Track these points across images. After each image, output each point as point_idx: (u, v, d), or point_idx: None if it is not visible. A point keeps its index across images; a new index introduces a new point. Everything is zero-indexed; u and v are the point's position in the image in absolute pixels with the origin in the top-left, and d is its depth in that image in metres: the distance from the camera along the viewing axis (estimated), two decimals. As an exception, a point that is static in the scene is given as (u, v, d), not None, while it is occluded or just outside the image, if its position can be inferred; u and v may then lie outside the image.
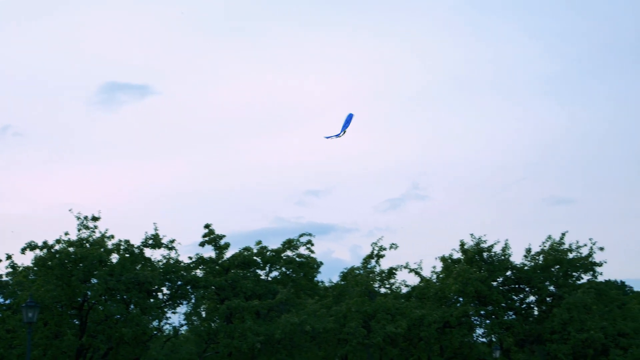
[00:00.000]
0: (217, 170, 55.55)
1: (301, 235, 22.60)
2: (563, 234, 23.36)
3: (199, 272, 21.14)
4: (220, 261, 21.60)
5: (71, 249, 19.28)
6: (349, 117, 21.23)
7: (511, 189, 55.09)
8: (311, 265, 22.07)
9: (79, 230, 19.96)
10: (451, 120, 58.29)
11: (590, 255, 22.91)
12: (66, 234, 19.86)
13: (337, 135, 21.13)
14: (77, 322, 19.55)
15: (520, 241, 39.53)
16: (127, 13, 57.05)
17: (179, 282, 20.49)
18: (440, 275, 23.20)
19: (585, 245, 23.07)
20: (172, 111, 57.12)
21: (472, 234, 23.25)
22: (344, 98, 53.76)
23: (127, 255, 20.02)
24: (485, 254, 22.95)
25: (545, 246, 23.20)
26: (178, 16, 56.88)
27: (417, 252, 61.98)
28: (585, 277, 23.14)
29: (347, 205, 52.86)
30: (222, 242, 21.76)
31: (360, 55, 58.61)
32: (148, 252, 20.53)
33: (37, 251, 19.19)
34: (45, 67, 55.48)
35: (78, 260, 19.07)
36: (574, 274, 23.08)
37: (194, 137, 56.81)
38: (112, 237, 20.17)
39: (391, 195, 58.82)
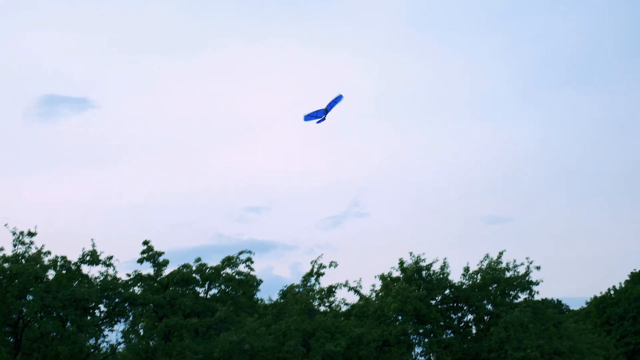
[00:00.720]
0: (156, 186, 55.20)
1: (241, 253, 22.52)
2: (500, 253, 23.59)
3: (137, 289, 20.92)
4: (158, 278, 21.40)
5: (6, 265, 19.01)
6: (338, 99, 20.12)
7: (449, 207, 55.56)
8: (251, 283, 21.97)
9: (14, 245, 19.70)
10: (391, 138, 58.69)
11: (527, 274, 23.12)
12: (1, 249, 19.63)
13: (320, 118, 19.94)
14: (11, 340, 19.26)
15: (458, 260, 39.79)
16: (68, 26, 56.55)
17: (117, 299, 20.28)
18: (380, 294, 23.22)
19: (522, 264, 23.29)
20: (111, 124, 56.70)
21: (411, 253, 23.37)
22: (284, 113, 53.87)
23: (63, 271, 19.77)
24: (424, 273, 23.03)
25: (483, 265, 23.36)
26: (120, 29, 56.56)
27: (357, 271, 61.97)
28: (522, 296, 23.34)
29: (287, 222, 52.85)
30: (161, 259, 21.58)
31: (303, 69, 58.83)
32: (85, 268, 20.30)
33: (-29, 267, 18.94)
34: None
35: (13, 276, 18.79)
36: (511, 292, 23.27)
37: (133, 151, 56.45)
38: (49, 253, 19.93)
39: (332, 212, 58.96)
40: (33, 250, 19.25)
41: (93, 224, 48.81)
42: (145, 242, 21.44)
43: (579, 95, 62.69)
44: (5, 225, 19.37)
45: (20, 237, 19.22)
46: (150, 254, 21.19)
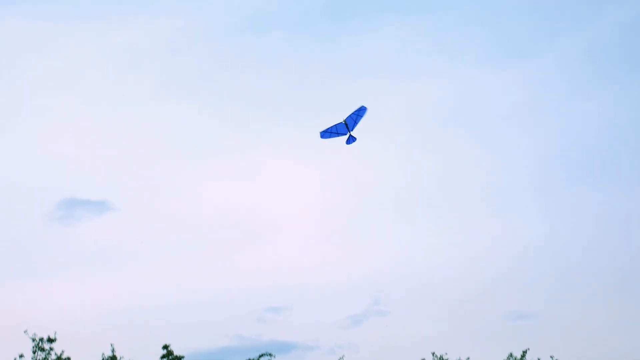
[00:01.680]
0: (176, 287, 55.00)
1: (261, 355, 22.42)
2: (524, 352, 23.40)
3: (157, 394, 20.83)
4: (179, 383, 21.28)
5: (26, 372, 18.96)
6: (360, 110, 18.47)
7: (470, 304, 55.04)
8: (272, 386, 21.79)
9: (34, 352, 19.65)
10: (409, 234, 58.46)
11: (552, 372, 22.91)
12: (21, 356, 19.56)
13: (345, 136, 18.26)
14: None
15: (481, 358, 39.28)
16: (88, 130, 57.29)
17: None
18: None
19: (547, 362, 23.12)
20: (130, 226, 56.90)
21: (433, 353, 23.23)
22: (301, 210, 54.06)
23: (84, 378, 19.71)
24: (447, 372, 22.86)
25: (506, 364, 23.19)
26: (140, 132, 57.20)
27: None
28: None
29: (308, 322, 52.31)
30: (181, 363, 21.52)
31: (319, 167, 59.04)
32: (106, 374, 20.26)
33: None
34: (2, 181, 55.28)
35: (33, 384, 18.73)
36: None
37: (152, 253, 56.44)
38: (69, 359, 19.87)
39: (352, 311, 58.37)
40: (53, 357, 19.19)
41: (113, 326, 48.52)
42: (165, 347, 21.32)
43: (599, 191, 62.66)
44: (25, 331, 19.36)
45: (40, 344, 19.18)
46: (170, 358, 21.09)
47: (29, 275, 52.38)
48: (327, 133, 18.41)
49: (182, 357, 21.42)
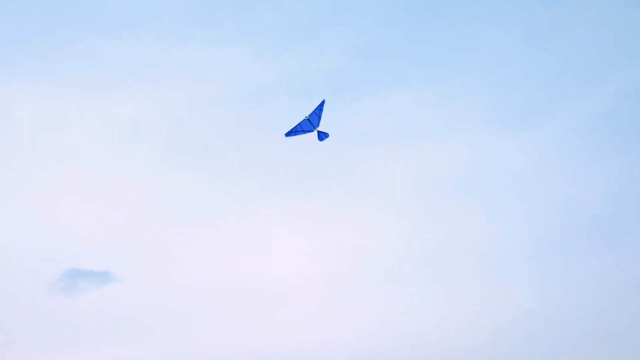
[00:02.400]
0: (179, 359, 54.42)
1: None
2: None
3: None
4: None
5: None
6: (321, 105, 18.08)
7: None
8: None
9: None
10: (409, 300, 58.00)
11: None
12: None
13: (314, 132, 17.75)
14: None
15: None
16: (91, 199, 57.23)
17: None
18: None
19: None
20: (132, 297, 56.49)
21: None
22: (307, 280, 53.69)
23: None
24: None
25: None
26: (143, 202, 57.17)
27: None
28: None
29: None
30: None
31: (321, 235, 58.80)
32: None
33: None
34: (2, 254, 55.09)
35: None
36: None
37: (156, 323, 55.97)
38: None
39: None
40: None
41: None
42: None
43: (598, 259, 62.34)
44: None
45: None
46: None
47: (31, 347, 51.88)
48: (292, 132, 18.09)
49: None
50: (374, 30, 52.45)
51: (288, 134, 17.58)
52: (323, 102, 17.55)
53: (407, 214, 62.27)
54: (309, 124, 17.51)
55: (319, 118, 17.53)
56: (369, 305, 57.21)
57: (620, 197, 58.53)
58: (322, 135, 17.58)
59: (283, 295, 51.67)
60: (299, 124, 17.65)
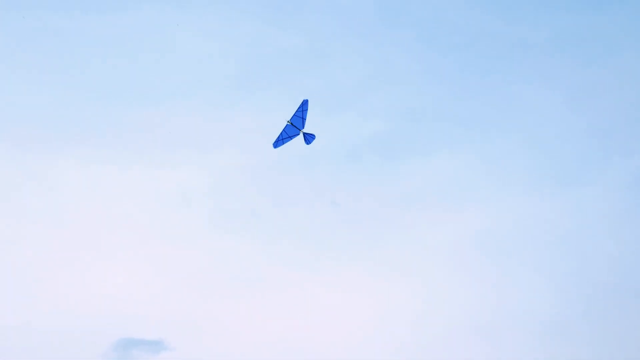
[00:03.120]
0: None
1: None
2: None
3: None
4: None
5: None
6: (302, 105, 17.37)
7: None
8: None
9: None
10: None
11: None
12: None
13: (299, 136, 17.10)
14: None
15: None
16: (143, 269, 57.55)
17: None
18: None
19: None
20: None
21: None
22: (359, 344, 53.18)
23: None
24: None
25: None
26: (193, 270, 57.42)
27: None
28: None
29: None
30: None
31: (375, 299, 58.51)
32: None
33: None
34: (57, 324, 55.30)
35: None
36: None
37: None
38: None
39: None
40: None
41: None
42: None
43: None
44: None
45: None
46: None
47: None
48: (279, 142, 17.55)
49: None
50: (419, 93, 52.79)
51: (276, 145, 17.12)
52: (305, 102, 17.07)
53: (454, 276, 61.88)
54: (293, 127, 17.01)
55: (303, 120, 16.97)
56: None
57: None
58: (309, 138, 17.00)
59: (336, 359, 51.36)
60: (283, 130, 17.15)
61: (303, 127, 16.06)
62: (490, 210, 50.62)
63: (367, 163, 50.98)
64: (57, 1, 49.88)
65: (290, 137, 16.27)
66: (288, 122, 16.49)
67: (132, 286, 57.14)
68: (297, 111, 16.15)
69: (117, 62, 49.73)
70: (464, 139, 51.61)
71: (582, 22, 53.49)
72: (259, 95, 50.73)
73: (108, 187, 48.03)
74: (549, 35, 53.04)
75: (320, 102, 51.98)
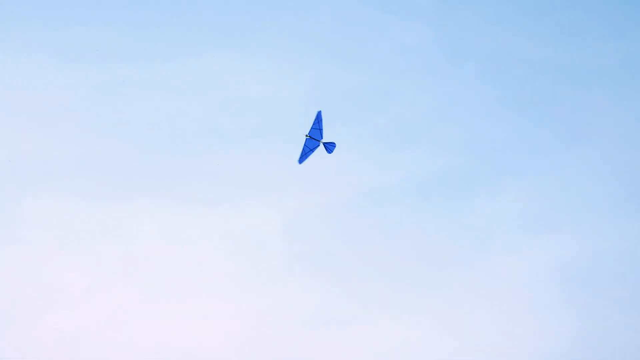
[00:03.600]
0: None
1: None
2: None
3: None
4: None
5: None
6: (317, 118, 17.34)
7: None
8: None
9: None
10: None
11: None
12: None
13: (317, 146, 17.04)
14: None
15: None
16: None
17: None
18: None
19: None
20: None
21: None
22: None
23: None
24: None
25: None
26: (268, 312, 57.39)
27: None
28: None
29: None
30: None
31: (455, 334, 57.82)
32: None
33: None
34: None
35: None
36: None
37: None
38: None
39: None
40: None
41: None
42: None
43: None
44: None
45: None
46: None
47: None
48: (303, 157, 17.58)
49: None
50: (485, 126, 52.57)
51: (300, 160, 17.23)
52: (319, 113, 17.20)
53: (532, 311, 61.00)
54: (313, 140, 17.05)
55: (321, 130, 17.03)
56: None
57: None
58: (329, 147, 17.09)
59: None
60: (304, 146, 17.25)
61: (322, 138, 16.20)
62: (568, 241, 49.96)
63: (436, 198, 50.79)
64: (125, 51, 50.80)
65: (312, 150, 16.52)
66: (307, 136, 16.67)
67: (211, 333, 57.25)
68: (313, 124, 16.37)
69: (184, 108, 50.41)
70: (534, 169, 51.20)
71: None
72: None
73: (179, 233, 48.40)
74: (616, 61, 52.65)
75: (386, 139, 52.04)
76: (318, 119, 16.84)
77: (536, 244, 50.00)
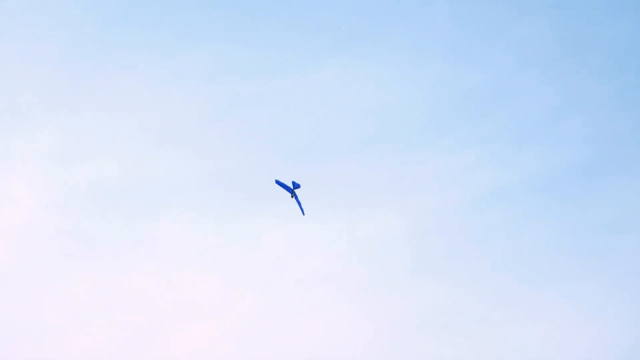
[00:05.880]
0: None
1: None
2: None
3: None
4: None
5: None
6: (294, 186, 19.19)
7: None
8: None
9: None
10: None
11: None
12: None
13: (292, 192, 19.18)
14: None
15: None
16: None
17: None
18: None
19: None
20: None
21: None
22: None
23: None
24: None
25: None
26: (398, 316, 57.71)
27: None
28: None
29: None
30: None
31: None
32: None
33: None
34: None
35: None
36: None
37: None
38: None
39: None
40: None
41: None
42: None
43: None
44: None
45: None
46: None
47: None
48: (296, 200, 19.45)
49: None
50: (611, 115, 51.52)
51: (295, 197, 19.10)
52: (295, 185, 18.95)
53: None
54: (290, 189, 18.81)
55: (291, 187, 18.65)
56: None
57: None
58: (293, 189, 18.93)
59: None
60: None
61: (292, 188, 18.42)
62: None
63: (564, 191, 50.13)
64: (245, 68, 52.04)
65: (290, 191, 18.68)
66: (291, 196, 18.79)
67: (332, 335, 57.91)
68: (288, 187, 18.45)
69: (306, 119, 51.25)
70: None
71: None
72: (449, 135, 50.99)
73: (305, 242, 49.14)
74: None
75: (509, 137, 51.65)
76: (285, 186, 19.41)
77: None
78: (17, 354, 42.06)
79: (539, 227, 49.65)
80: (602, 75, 52.23)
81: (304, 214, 19.97)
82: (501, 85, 52.56)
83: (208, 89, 51.34)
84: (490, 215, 49.59)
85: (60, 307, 44.30)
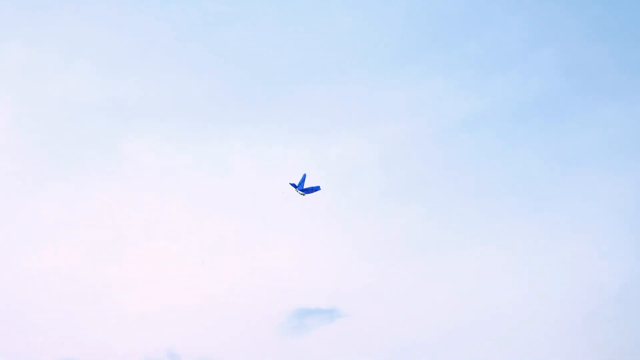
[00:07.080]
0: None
1: None
2: None
3: None
4: None
5: None
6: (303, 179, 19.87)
7: None
8: None
9: None
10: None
11: None
12: None
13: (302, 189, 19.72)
14: None
15: None
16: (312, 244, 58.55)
17: None
18: None
19: None
20: (361, 333, 56.99)
21: None
22: None
23: None
24: None
25: None
26: (362, 241, 58.03)
27: None
28: None
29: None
30: None
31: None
32: None
33: None
34: (239, 299, 56.97)
35: None
36: None
37: (384, 358, 56.15)
38: None
39: None
40: None
41: None
42: None
43: None
44: None
45: None
46: None
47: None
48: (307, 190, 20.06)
49: None
50: (583, 46, 51.44)
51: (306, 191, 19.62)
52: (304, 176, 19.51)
53: (633, 231, 60.01)
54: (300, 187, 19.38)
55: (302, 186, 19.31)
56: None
57: None
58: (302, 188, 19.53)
59: (510, 317, 50.63)
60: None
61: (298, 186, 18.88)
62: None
63: (532, 122, 50.19)
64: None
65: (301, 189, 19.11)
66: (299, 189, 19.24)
67: (305, 259, 58.21)
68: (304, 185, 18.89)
69: (274, 43, 50.65)
70: (633, 90, 50.07)
71: None
72: (419, 63, 50.64)
73: (275, 163, 48.99)
74: None
75: (480, 65, 51.45)
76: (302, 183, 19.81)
77: (633, 167, 49.15)
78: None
79: (509, 155, 49.77)
80: (573, 5, 51.93)
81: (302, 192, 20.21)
82: (473, 13, 52.16)
83: (179, 8, 50.46)
84: (460, 143, 49.62)
85: (24, 224, 43.92)
